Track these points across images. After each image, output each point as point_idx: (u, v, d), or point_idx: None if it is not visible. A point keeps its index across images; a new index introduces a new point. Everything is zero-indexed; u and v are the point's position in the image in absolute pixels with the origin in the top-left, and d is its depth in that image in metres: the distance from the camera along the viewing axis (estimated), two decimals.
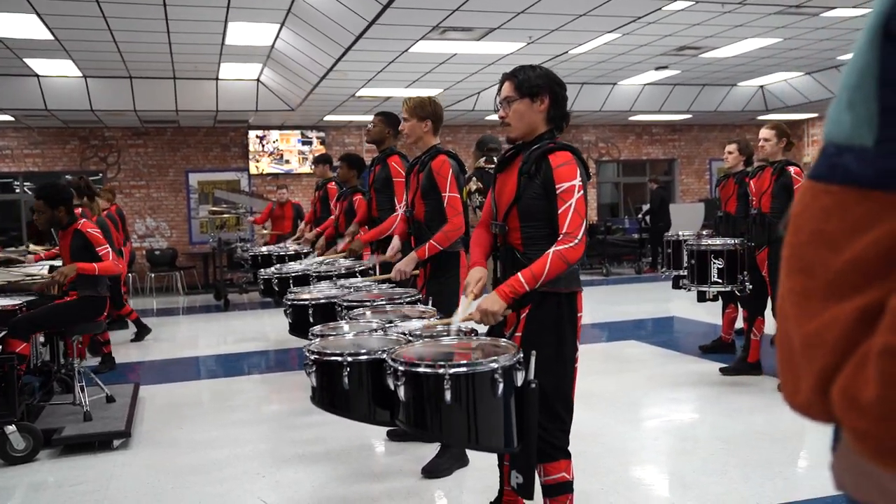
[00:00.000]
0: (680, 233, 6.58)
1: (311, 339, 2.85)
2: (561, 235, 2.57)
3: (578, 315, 2.75)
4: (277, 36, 8.81)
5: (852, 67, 0.76)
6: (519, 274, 2.56)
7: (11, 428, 4.42)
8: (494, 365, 2.29)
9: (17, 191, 13.59)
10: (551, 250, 2.55)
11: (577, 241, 2.55)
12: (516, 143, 2.83)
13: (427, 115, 4.16)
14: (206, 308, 11.57)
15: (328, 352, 2.60)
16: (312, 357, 2.60)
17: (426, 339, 2.68)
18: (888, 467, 0.65)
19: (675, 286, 6.49)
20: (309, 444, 4.65)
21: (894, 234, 0.68)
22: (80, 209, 6.89)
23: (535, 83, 2.73)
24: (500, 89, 2.82)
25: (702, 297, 5.96)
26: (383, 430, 4.77)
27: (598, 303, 10.95)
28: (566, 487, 2.72)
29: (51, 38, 8.50)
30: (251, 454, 4.51)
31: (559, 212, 2.60)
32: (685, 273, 5.83)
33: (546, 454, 2.64)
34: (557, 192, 2.61)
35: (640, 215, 14.75)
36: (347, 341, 2.80)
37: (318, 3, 7.29)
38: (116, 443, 4.73)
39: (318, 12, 7.55)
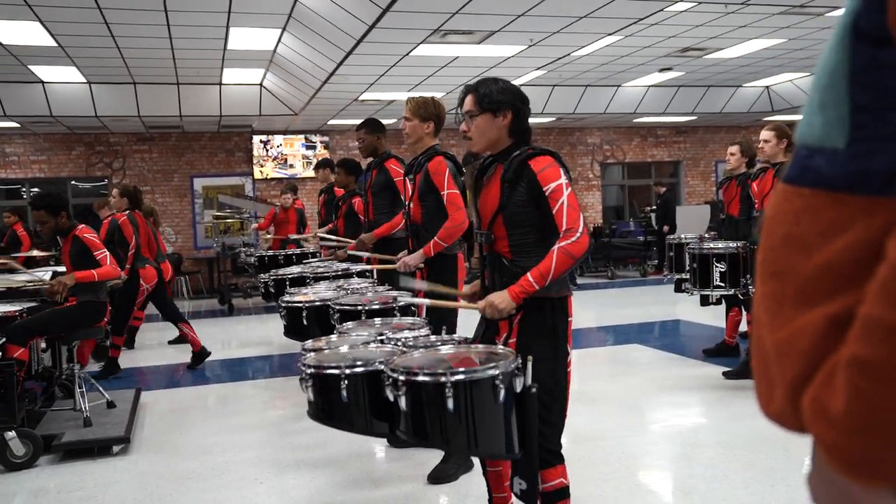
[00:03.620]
0: (682, 236, 6.54)
1: (303, 353, 2.82)
2: (561, 233, 2.56)
3: (570, 319, 2.73)
4: (279, 41, 8.83)
5: (823, 68, 0.74)
6: (528, 274, 2.55)
7: (11, 434, 4.42)
8: (495, 371, 2.27)
9: (25, 197, 13.63)
10: (555, 248, 2.54)
11: (578, 234, 2.55)
12: (478, 156, 2.83)
13: (430, 117, 4.13)
14: (212, 313, 11.59)
15: (325, 365, 2.57)
16: (309, 371, 2.57)
17: (423, 349, 2.65)
18: (857, 480, 0.63)
19: (678, 290, 6.45)
20: (309, 450, 4.64)
21: (865, 240, 0.65)
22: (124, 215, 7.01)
23: (496, 98, 2.71)
24: (461, 101, 2.80)
25: (705, 301, 5.92)
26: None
27: (603, 306, 10.92)
28: (564, 493, 2.70)
29: (54, 44, 8.53)
30: (251, 460, 4.50)
31: (553, 212, 2.59)
32: (688, 276, 5.79)
33: (543, 460, 2.61)
34: (546, 193, 2.60)
35: (646, 210, 14.75)
36: (343, 354, 2.77)
37: (318, 7, 7.30)
38: (116, 448, 4.72)
39: (318, 17, 7.55)
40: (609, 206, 16.85)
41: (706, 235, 6.71)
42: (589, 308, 10.65)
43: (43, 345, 5.42)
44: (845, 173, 0.68)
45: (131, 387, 6.13)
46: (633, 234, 15.01)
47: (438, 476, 3.96)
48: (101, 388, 5.39)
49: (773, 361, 0.72)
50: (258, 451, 4.66)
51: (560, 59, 9.67)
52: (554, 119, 14.12)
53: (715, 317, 7.96)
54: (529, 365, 2.37)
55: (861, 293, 0.65)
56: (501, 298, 2.57)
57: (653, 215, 14.11)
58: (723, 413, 5.07)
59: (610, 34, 8.45)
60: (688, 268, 5.75)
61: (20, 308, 5.12)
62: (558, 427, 2.69)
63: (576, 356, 7.11)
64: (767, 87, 13.37)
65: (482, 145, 2.77)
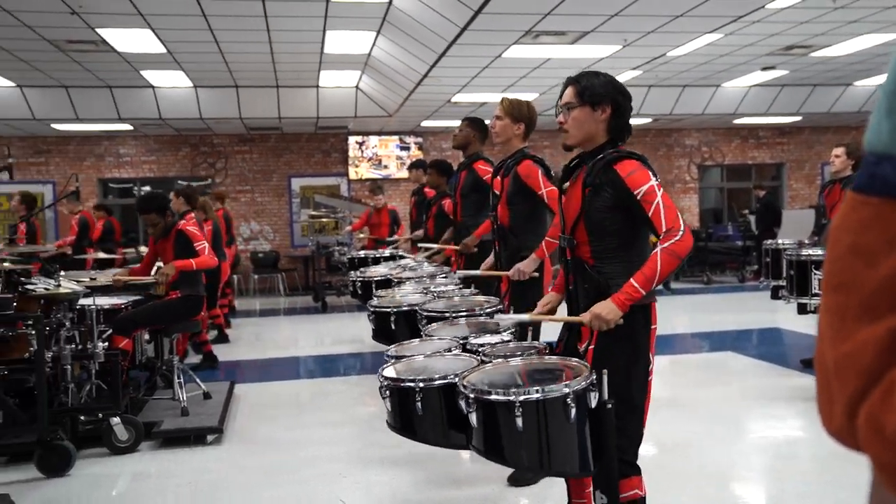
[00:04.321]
0: (780, 241, 6.28)
1: (385, 361, 2.86)
2: (662, 234, 2.47)
3: (653, 327, 2.64)
4: (374, 43, 9.00)
5: (893, 71, 0.72)
6: (632, 279, 2.46)
7: (116, 420, 4.68)
8: (566, 390, 2.22)
9: (135, 195, 14.38)
10: (658, 249, 2.45)
11: (681, 233, 2.45)
12: (571, 149, 2.76)
13: (522, 118, 4.09)
14: (306, 310, 11.91)
15: (401, 377, 2.59)
16: (385, 383, 2.60)
17: (497, 361, 2.61)
18: None
19: (774, 297, 6.20)
20: (394, 448, 4.69)
21: None
22: (192, 213, 7.32)
23: (597, 91, 2.63)
24: (561, 94, 2.74)
25: (802, 310, 5.66)
26: None
27: (698, 311, 10.63)
28: None
29: (164, 51, 8.98)
30: (336, 455, 4.61)
31: (650, 214, 2.49)
32: (784, 283, 5.56)
33: (619, 471, 2.55)
34: (638, 197, 2.51)
35: (744, 212, 14.09)
36: (420, 364, 2.78)
37: (411, 10, 7.40)
38: (210, 438, 4.94)
39: (411, 19, 7.65)
40: (706, 209, 16.35)
41: (806, 241, 6.42)
42: (683, 313, 10.39)
43: (147, 336, 5.72)
44: None
45: (226, 379, 6.38)
46: (731, 238, 14.51)
47: (518, 479, 3.95)
48: (198, 380, 5.64)
49: (834, 377, 0.70)
50: (345, 447, 4.77)
51: (656, 59, 9.47)
52: (650, 120, 13.83)
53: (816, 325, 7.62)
54: (605, 378, 2.30)
55: None
56: (608, 309, 2.46)
57: (752, 218, 13.60)
58: (819, 426, 4.83)
59: (708, 33, 8.21)
60: (785, 274, 5.53)
61: (125, 301, 5.42)
62: (634, 438, 2.62)
63: (668, 362, 7.01)
64: (881, 85, 12.65)
65: (578, 139, 2.69)
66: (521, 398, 2.20)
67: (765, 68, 10.80)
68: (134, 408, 5.21)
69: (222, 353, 7.93)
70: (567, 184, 2.78)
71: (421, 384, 2.51)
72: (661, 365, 6.87)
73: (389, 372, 2.68)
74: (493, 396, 2.25)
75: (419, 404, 2.49)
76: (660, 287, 9.70)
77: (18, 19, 7.48)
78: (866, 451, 0.64)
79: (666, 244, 2.44)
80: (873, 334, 0.65)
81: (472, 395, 2.28)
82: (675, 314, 10.18)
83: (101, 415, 4.76)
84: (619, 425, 2.49)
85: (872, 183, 0.68)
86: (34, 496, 4.03)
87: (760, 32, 8.48)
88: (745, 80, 11.73)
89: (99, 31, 8.00)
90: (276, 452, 4.69)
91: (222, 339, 8.60)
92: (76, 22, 7.63)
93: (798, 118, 14.27)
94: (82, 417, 4.79)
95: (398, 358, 2.89)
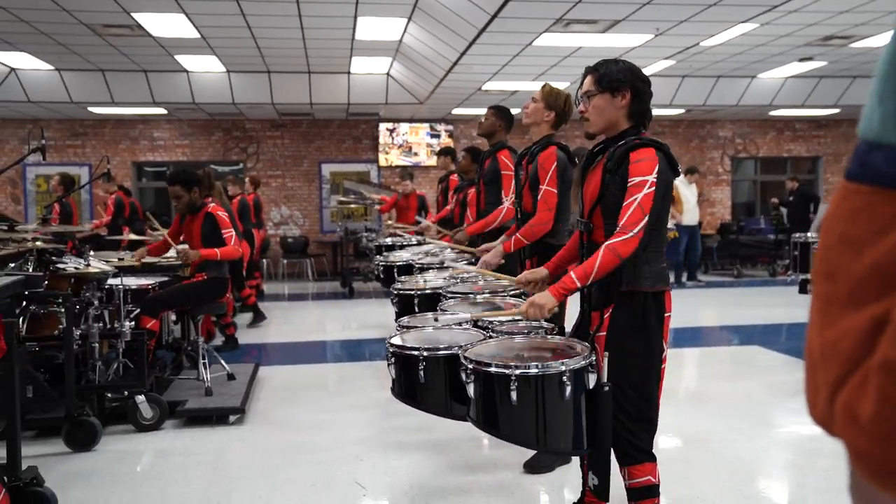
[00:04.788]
0: (809, 234, 6.18)
1: (395, 332, 2.90)
2: (617, 228, 2.52)
3: (666, 315, 2.64)
4: (405, 30, 8.99)
5: (885, 57, 0.71)
6: (571, 272, 2.55)
7: (141, 398, 4.77)
8: (563, 367, 2.26)
9: None
10: (604, 245, 2.52)
11: (630, 234, 2.49)
12: (594, 137, 2.78)
13: (555, 108, 4.07)
14: (334, 295, 12.00)
15: (406, 345, 2.64)
16: (391, 350, 2.65)
17: (503, 337, 2.66)
18: (884, 488, 0.61)
19: (802, 291, 6.12)
20: (413, 433, 4.73)
21: None
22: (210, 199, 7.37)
23: (615, 77, 2.65)
24: (581, 83, 2.76)
25: None
26: None
27: (726, 305, 10.52)
28: (652, 491, 2.64)
29: (197, 36, 9.06)
30: (356, 438, 4.65)
31: (624, 203, 2.54)
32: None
33: (631, 457, 2.57)
34: (628, 185, 2.55)
35: (774, 201, 13.74)
36: (427, 335, 2.83)
37: None
38: (232, 418, 5.01)
39: (442, 6, 7.63)
40: (739, 202, 16.12)
41: None
42: (711, 306, 10.29)
43: (173, 317, 5.80)
44: None
45: (251, 361, 6.46)
46: (763, 231, 14.30)
47: (534, 465, 3.96)
48: (222, 361, 5.72)
49: (819, 364, 0.70)
50: (365, 431, 4.80)
51: (689, 48, 9.33)
52: (683, 111, 13.63)
53: None
54: (606, 362, 2.33)
55: None
56: (542, 296, 2.57)
57: (784, 211, 13.36)
58: None
59: (743, 22, 8.07)
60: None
61: (153, 282, 5.50)
62: (647, 425, 2.62)
63: (694, 355, 6.97)
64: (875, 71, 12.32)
65: (599, 126, 2.72)
66: (518, 372, 2.25)
67: (802, 59, 10.59)
68: (159, 387, 5.31)
69: (250, 335, 8.02)
70: (588, 170, 2.80)
71: (425, 353, 2.55)
72: (687, 357, 6.87)
73: (396, 340, 2.72)
74: (491, 369, 2.30)
75: (422, 373, 2.54)
76: (685, 279, 9.60)
77: (57, 3, 7.60)
78: (842, 437, 0.64)
79: (613, 241, 2.51)
80: (856, 322, 0.65)
81: (470, 367, 2.33)
82: (703, 307, 10.09)
83: (126, 392, 4.85)
84: (631, 411, 2.51)
85: (864, 171, 0.67)
86: (60, 469, 4.13)
87: (798, 22, 8.31)
88: (782, 70, 11.52)
89: (134, 15, 8.10)
90: (296, 434, 4.74)
91: (257, 318, 8.71)
92: (112, 6, 7.73)
93: (836, 110, 13.99)
94: (109, 395, 4.89)
95: (408, 328, 2.93)
